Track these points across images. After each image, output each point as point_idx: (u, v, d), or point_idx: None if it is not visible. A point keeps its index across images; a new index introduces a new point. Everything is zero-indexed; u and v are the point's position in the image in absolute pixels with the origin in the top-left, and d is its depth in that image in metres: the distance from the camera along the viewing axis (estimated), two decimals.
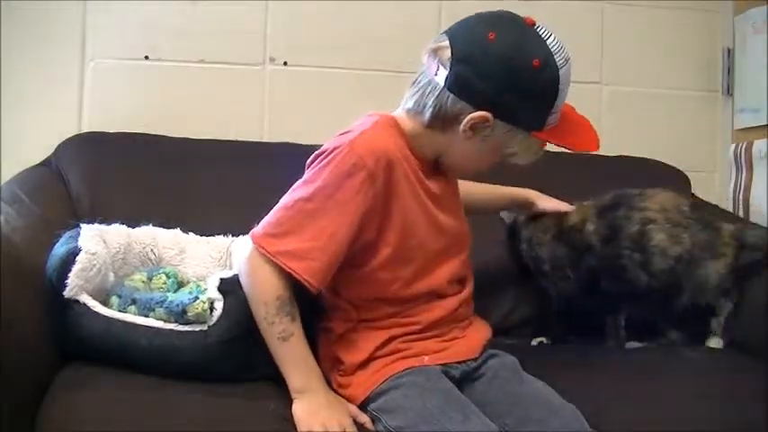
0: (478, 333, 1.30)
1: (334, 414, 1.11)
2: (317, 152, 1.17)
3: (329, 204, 1.11)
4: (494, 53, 1.10)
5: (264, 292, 1.12)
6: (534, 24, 1.13)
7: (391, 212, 1.15)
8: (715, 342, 1.54)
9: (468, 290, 1.30)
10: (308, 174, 1.16)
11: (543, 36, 1.12)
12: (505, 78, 1.10)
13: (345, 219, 1.11)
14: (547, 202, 1.57)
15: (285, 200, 1.15)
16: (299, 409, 1.11)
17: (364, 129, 1.16)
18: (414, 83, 1.19)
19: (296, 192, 1.15)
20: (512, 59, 1.10)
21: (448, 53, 1.12)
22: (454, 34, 1.14)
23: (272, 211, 1.16)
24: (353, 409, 1.15)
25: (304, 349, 1.15)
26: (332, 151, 1.13)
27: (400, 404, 1.12)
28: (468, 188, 1.38)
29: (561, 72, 1.12)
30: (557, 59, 1.11)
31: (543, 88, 1.12)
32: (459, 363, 1.22)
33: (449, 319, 1.25)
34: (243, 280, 1.16)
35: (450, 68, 1.11)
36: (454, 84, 1.12)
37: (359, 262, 1.18)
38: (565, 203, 1.58)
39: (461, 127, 1.14)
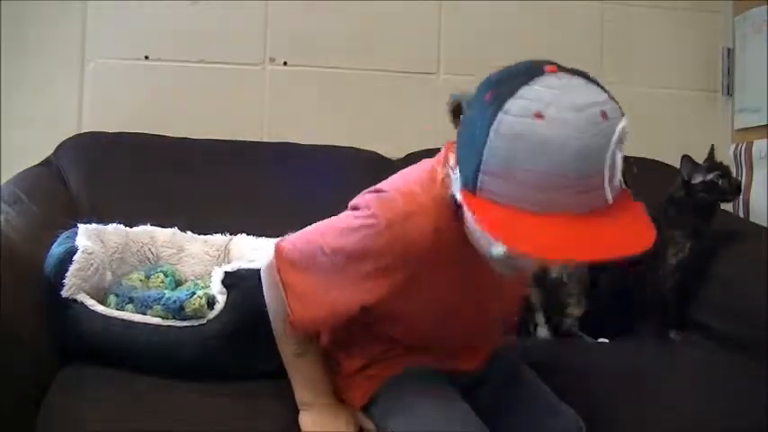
0: (487, 346, 1.23)
1: (341, 424, 1.11)
2: (360, 200, 1.03)
3: (345, 274, 1.02)
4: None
5: (283, 310, 1.08)
6: (554, 71, 0.86)
7: (412, 292, 1.03)
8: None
9: (496, 335, 1.23)
10: (346, 219, 1.03)
11: (550, 85, 0.84)
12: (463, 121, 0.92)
13: (355, 296, 1.04)
14: None
15: (316, 231, 1.06)
16: (306, 419, 1.12)
17: (407, 207, 0.98)
18: None
19: (327, 233, 1.04)
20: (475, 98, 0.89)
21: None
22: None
23: (303, 232, 1.08)
24: (359, 416, 1.14)
25: (317, 367, 1.14)
26: (369, 216, 0.99)
27: (399, 408, 1.10)
28: None
29: (520, 121, 0.82)
30: (536, 108, 0.82)
31: (478, 131, 0.85)
32: (461, 372, 1.18)
33: (460, 348, 1.19)
34: (264, 289, 1.11)
35: None
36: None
37: (371, 317, 1.12)
38: None
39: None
